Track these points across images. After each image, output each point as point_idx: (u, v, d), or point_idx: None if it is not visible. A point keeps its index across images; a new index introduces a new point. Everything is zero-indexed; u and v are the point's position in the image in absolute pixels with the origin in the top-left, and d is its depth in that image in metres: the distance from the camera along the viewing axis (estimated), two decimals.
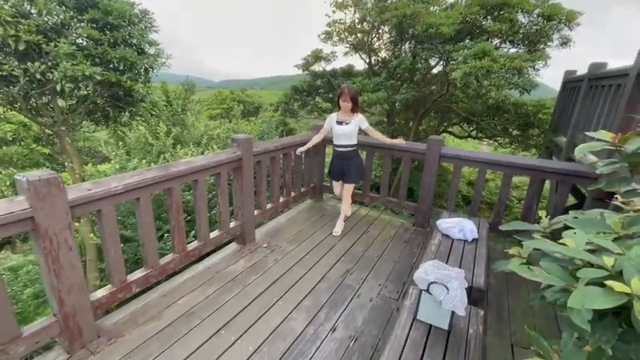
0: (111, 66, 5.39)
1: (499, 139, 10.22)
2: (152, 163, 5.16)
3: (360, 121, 3.36)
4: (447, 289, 1.45)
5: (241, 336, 2.07)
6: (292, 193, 4.06)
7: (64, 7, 5.25)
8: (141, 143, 5.58)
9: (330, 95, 11.51)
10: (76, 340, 1.88)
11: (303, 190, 4.28)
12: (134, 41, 5.78)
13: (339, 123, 3.36)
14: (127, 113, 6.97)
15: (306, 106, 12.39)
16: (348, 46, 10.40)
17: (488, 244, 2.62)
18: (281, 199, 3.87)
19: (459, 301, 1.45)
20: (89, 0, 5.39)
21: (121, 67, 5.56)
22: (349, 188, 3.58)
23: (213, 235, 2.91)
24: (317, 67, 11.12)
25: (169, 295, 2.41)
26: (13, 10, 4.71)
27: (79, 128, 7.16)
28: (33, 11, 5.10)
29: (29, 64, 4.63)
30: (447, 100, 9.49)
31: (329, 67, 11.36)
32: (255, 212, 3.40)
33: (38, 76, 4.70)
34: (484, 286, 2.01)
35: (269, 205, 3.67)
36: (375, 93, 7.65)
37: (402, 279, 2.81)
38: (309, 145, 3.65)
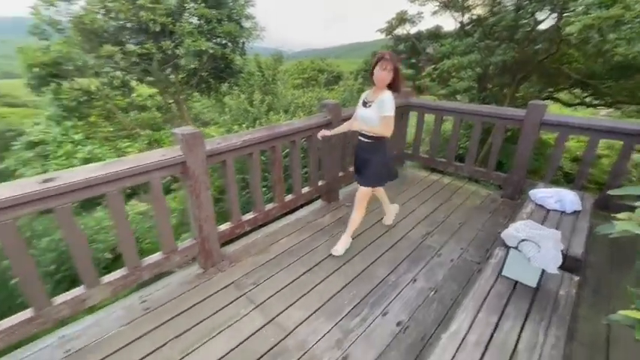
0: (215, 41, 6.07)
1: (624, 106, 8.46)
2: (249, 128, 5.85)
3: (380, 102, 2.33)
4: (539, 247, 1.47)
5: (331, 274, 2.40)
6: None
7: None
8: (240, 110, 6.29)
9: (413, 60, 10.88)
10: (208, 259, 2.44)
11: None
12: (235, 16, 6.35)
13: (364, 104, 2.52)
14: (226, 84, 7.83)
15: None
16: (437, 4, 9.53)
17: (590, 221, 2.40)
18: None
19: (552, 260, 1.45)
20: None
21: (224, 42, 6.21)
22: (360, 192, 2.63)
23: (304, 190, 3.28)
24: (401, 31, 10.54)
25: (272, 236, 2.87)
26: None
27: (191, 97, 8.34)
28: None
29: (162, 42, 5.56)
30: (556, 61, 8.13)
31: (414, 30, 10.65)
32: (340, 174, 3.65)
33: (169, 52, 5.62)
34: (581, 256, 1.92)
35: (351, 168, 3.88)
36: (465, 56, 7.00)
37: (485, 246, 2.79)
38: (335, 131, 2.80)
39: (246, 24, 6.61)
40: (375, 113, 2.37)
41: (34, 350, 1.78)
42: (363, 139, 2.53)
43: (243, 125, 5.58)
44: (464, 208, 3.46)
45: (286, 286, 2.28)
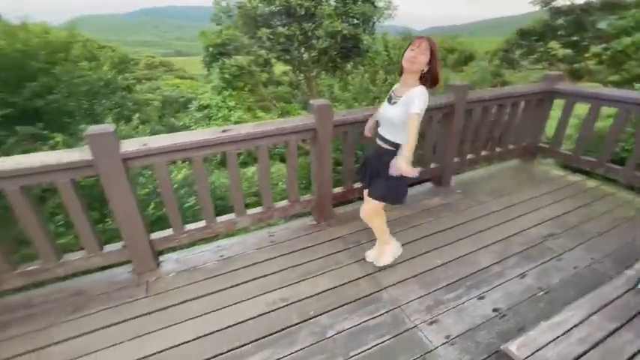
0: (349, 21, 6.39)
1: None
2: (368, 106, 6.08)
3: (409, 98, 1.78)
4: None
5: (431, 251, 2.47)
6: (497, 149, 3.84)
7: None
8: (362, 89, 6.56)
9: (575, 38, 8.90)
10: (321, 214, 2.84)
11: (511, 147, 3.94)
12: None
13: (389, 100, 1.96)
14: (351, 63, 8.19)
15: (532, 53, 10.17)
16: None
17: None
18: (483, 153, 3.77)
19: None
20: None
21: (356, 22, 6.47)
22: (369, 204, 2.13)
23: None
24: (562, 1, 8.68)
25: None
26: None
27: (319, 75, 9.07)
28: None
29: (304, 24, 6.25)
30: None
31: (581, 0, 8.62)
32: (455, 159, 3.52)
33: (309, 34, 6.30)
34: None
35: (470, 156, 3.67)
36: None
37: (626, 262, 2.34)
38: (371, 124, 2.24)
39: (380, 3, 6.70)
40: (400, 112, 1.81)
41: (201, 251, 2.52)
42: (382, 144, 1.98)
43: (363, 103, 5.84)
44: (609, 218, 2.90)
45: None
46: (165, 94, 17.22)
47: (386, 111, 1.93)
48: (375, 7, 6.50)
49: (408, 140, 1.75)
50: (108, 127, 1.92)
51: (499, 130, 3.72)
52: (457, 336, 1.79)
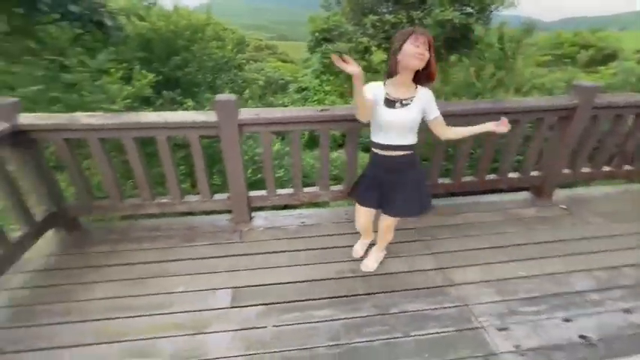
0: (462, 10, 5.94)
1: None
2: None
3: (426, 101, 1.71)
4: None
5: (514, 261, 2.30)
6: (626, 167, 3.23)
7: None
8: (465, 83, 6.11)
9: None
10: None
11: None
12: None
13: (389, 103, 1.70)
14: (455, 54, 7.62)
15: None
16: None
17: None
18: (606, 168, 3.21)
19: None
20: None
21: (470, 11, 5.98)
22: (391, 223, 2.02)
23: (511, 175, 3.06)
24: None
25: (459, 206, 2.96)
26: None
27: None
28: None
29: (412, 12, 6.09)
30: None
31: None
32: (565, 170, 3.10)
33: (416, 22, 6.10)
34: None
35: (585, 169, 3.18)
36: None
37: None
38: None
39: None
40: (417, 116, 1.71)
41: (287, 215, 2.84)
42: (394, 152, 1.77)
43: (463, 99, 5.44)
44: None
45: (464, 250, 2.40)
46: (267, 74, 18.78)
47: (395, 116, 1.69)
48: None
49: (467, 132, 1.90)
50: (231, 96, 2.30)
51: (633, 144, 3.11)
52: (529, 349, 1.68)
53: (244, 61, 14.39)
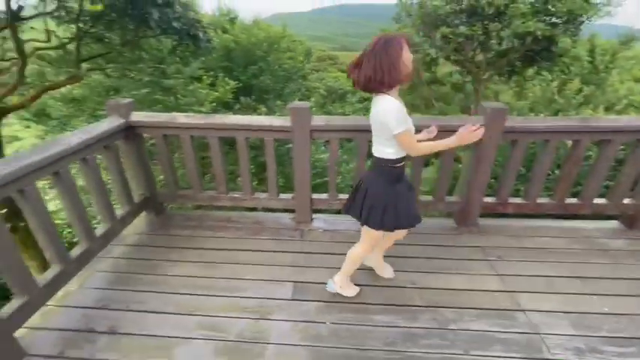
0: (547, 20, 5.51)
1: None
2: None
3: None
4: None
5: (594, 295, 2.06)
6: None
7: None
8: (544, 98, 5.62)
9: None
10: (463, 219, 2.76)
11: None
12: None
13: None
14: (534, 67, 7.03)
15: None
16: None
17: None
18: None
19: None
20: None
21: (555, 21, 5.51)
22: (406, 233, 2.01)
23: (597, 201, 2.75)
24: None
25: (534, 229, 2.74)
26: None
27: (491, 79, 8.25)
28: None
29: (489, 24, 5.82)
30: None
31: None
32: None
33: (493, 34, 5.81)
34: None
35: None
36: None
37: None
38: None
39: None
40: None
41: (346, 220, 2.90)
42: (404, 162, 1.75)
43: (541, 115, 4.99)
44: None
45: (537, 276, 2.22)
46: (328, 84, 19.28)
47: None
48: (588, 2, 5.26)
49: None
50: (305, 103, 2.48)
51: None
52: None
53: (309, 70, 15.02)
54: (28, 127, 8.02)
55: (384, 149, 1.66)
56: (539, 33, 4.99)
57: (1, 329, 1.58)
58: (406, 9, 8.62)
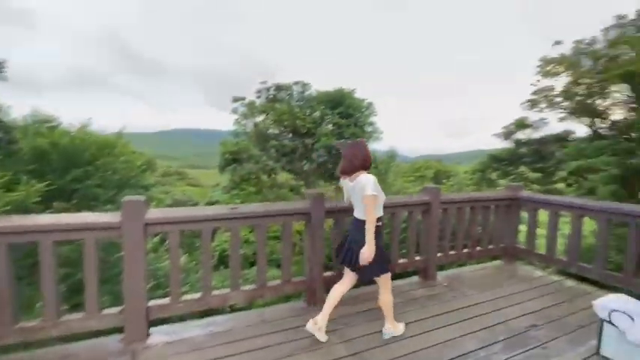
0: (342, 140, 7.60)
1: None
2: None
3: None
4: (632, 319, 1.37)
5: (415, 336, 2.45)
6: (477, 248, 4.04)
7: (322, 107, 8.10)
8: None
9: (540, 165, 10.15)
10: (312, 296, 2.87)
11: (490, 247, 4.13)
12: (360, 123, 7.94)
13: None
14: None
15: (508, 175, 11.39)
16: (562, 111, 9.18)
17: None
18: (465, 250, 3.94)
19: None
20: (338, 100, 8.06)
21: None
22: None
23: (401, 260, 3.47)
24: (521, 135, 10.31)
25: (370, 294, 3.13)
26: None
27: (316, 183, 10.03)
28: (308, 112, 8.20)
29: (306, 140, 7.47)
30: None
31: (538, 135, 10.25)
32: (438, 254, 3.69)
33: (309, 147, 7.44)
34: None
35: (452, 252, 3.84)
36: (596, 158, 6.33)
37: None
38: None
39: (368, 129, 8.16)
40: None
41: (191, 325, 2.49)
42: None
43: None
44: (590, 313, 2.92)
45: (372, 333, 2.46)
46: (175, 197, 18.35)
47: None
48: (363, 131, 7.91)
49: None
50: (140, 197, 2.27)
51: (475, 229, 4.01)
52: None
53: (152, 182, 13.99)
54: None
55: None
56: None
57: None
58: (242, 128, 10.28)
